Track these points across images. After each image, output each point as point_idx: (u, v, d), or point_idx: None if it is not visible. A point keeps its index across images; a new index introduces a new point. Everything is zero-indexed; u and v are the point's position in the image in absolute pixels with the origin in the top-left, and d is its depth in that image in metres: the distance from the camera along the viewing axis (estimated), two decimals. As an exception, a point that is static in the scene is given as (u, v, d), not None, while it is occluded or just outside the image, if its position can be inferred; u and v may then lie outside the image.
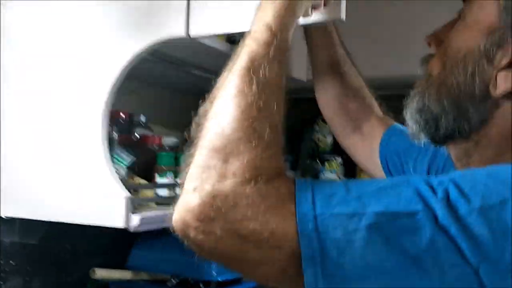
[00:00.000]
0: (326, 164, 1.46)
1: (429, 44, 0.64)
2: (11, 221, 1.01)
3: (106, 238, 1.24)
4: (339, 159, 1.47)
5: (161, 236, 1.27)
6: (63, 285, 1.13)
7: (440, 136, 0.60)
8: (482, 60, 0.56)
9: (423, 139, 0.62)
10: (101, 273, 1.13)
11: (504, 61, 0.55)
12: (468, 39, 0.58)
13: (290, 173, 1.54)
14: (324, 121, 1.54)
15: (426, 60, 0.64)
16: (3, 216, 0.99)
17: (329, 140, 1.53)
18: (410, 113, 0.62)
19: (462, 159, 0.60)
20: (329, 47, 0.86)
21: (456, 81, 0.57)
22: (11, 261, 1.01)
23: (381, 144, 0.86)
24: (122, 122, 1.18)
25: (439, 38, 0.63)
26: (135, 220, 0.88)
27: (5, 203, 0.98)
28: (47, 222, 1.04)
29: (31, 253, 1.06)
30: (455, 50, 0.59)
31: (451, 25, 0.62)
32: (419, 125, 0.61)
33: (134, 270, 1.21)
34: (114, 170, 0.90)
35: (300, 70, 1.36)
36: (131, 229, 0.88)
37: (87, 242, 1.20)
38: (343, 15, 0.71)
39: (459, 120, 0.58)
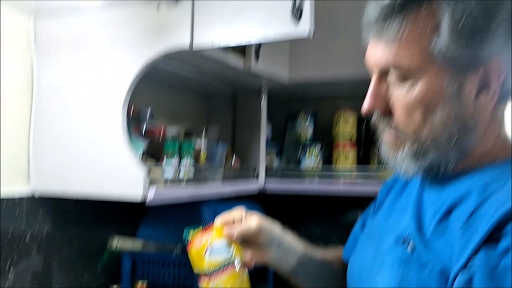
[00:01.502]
0: (307, 151, 1.68)
1: (370, 113, 0.73)
2: (42, 196, 1.21)
3: (120, 212, 1.44)
4: (319, 146, 1.68)
5: (166, 211, 1.48)
6: (84, 250, 1.33)
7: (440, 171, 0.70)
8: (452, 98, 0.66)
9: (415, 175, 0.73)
10: (116, 243, 1.34)
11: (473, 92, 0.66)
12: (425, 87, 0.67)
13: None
14: (306, 114, 1.76)
15: (381, 121, 0.72)
16: (36, 193, 1.19)
17: (309, 131, 1.74)
18: (401, 160, 0.71)
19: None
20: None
21: (436, 124, 0.67)
22: (42, 231, 1.21)
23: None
24: (132, 115, 1.38)
25: (381, 106, 0.71)
26: (150, 195, 1.09)
27: (37, 181, 1.19)
28: (71, 199, 1.25)
29: (59, 223, 1.26)
30: (418, 100, 0.67)
31: (377, 88, 0.71)
32: (418, 168, 0.71)
33: (144, 240, 1.42)
34: (133, 153, 1.11)
35: (282, 70, 1.55)
36: (147, 203, 1.09)
37: (103, 216, 1.40)
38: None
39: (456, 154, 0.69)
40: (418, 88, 0.67)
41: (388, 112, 0.71)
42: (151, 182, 1.12)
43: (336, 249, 0.99)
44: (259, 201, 1.74)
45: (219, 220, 0.85)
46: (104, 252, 1.35)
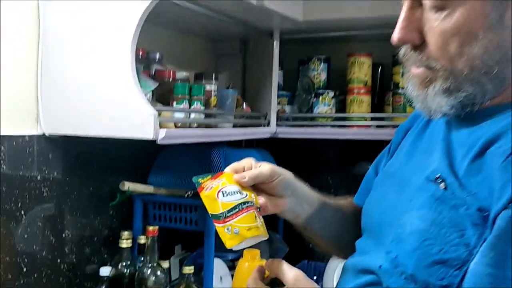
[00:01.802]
0: (320, 98, 1.63)
1: (400, 43, 0.67)
2: (52, 138, 1.19)
3: (131, 158, 1.43)
4: (332, 94, 1.64)
5: (177, 156, 1.46)
6: (96, 194, 1.32)
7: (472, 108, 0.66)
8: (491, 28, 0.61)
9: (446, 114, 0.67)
10: (128, 186, 1.33)
11: None
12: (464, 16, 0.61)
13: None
14: (319, 59, 1.71)
15: (410, 54, 0.67)
16: (46, 134, 1.17)
17: (323, 76, 1.70)
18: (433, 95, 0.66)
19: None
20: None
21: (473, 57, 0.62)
22: (52, 174, 1.20)
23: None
24: (141, 59, 1.34)
25: (413, 35, 0.66)
26: (161, 134, 1.07)
27: (46, 121, 1.16)
28: (83, 140, 1.23)
29: (69, 166, 1.25)
30: (454, 29, 0.62)
31: (410, 16, 0.66)
32: (450, 106, 0.65)
33: (154, 185, 1.41)
34: (143, 93, 1.08)
35: (296, 9, 1.50)
36: (158, 141, 1.07)
37: (115, 162, 1.38)
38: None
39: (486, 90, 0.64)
40: (456, 15, 0.62)
41: (419, 43, 0.66)
42: (162, 123, 1.10)
43: (347, 198, 0.96)
44: (270, 148, 1.72)
45: (228, 168, 0.79)
46: (115, 196, 1.34)
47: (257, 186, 0.78)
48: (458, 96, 0.65)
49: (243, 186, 0.75)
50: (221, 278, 1.45)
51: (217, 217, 0.71)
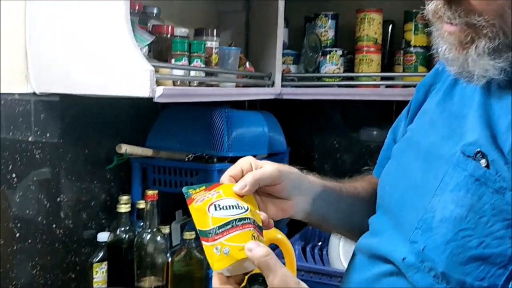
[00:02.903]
0: (328, 56, 1.55)
1: None
2: (43, 97, 1.12)
3: (129, 118, 1.36)
4: (340, 52, 1.56)
5: (176, 118, 1.39)
6: (92, 158, 1.26)
7: None
8: None
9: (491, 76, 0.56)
10: (125, 148, 1.26)
11: None
12: None
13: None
14: (326, 16, 1.62)
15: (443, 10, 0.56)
16: (37, 92, 1.10)
17: (330, 34, 1.61)
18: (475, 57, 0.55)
19: None
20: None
21: None
22: (45, 135, 1.14)
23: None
24: (137, 13, 1.26)
25: None
26: (158, 91, 0.99)
27: (37, 79, 1.09)
28: (78, 100, 1.16)
29: (64, 128, 1.18)
30: None
31: None
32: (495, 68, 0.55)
33: (154, 148, 1.35)
34: (138, 47, 1.00)
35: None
36: (155, 99, 0.99)
37: (113, 119, 1.32)
38: None
39: None
40: None
41: None
42: (159, 81, 1.02)
43: (365, 176, 0.84)
44: (274, 110, 1.64)
45: (226, 175, 0.67)
46: (112, 160, 1.28)
47: (259, 189, 0.67)
48: (509, 57, 0.54)
49: (244, 197, 0.64)
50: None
51: (205, 234, 0.59)
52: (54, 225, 1.16)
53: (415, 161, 0.64)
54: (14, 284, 1.06)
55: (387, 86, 1.54)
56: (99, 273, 1.19)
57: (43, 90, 1.10)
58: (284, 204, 0.69)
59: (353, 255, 0.72)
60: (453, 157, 0.57)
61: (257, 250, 0.57)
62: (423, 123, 0.68)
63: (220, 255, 0.58)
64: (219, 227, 0.59)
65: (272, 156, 1.55)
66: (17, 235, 1.07)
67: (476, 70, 0.55)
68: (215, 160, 1.31)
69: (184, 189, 0.65)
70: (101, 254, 1.20)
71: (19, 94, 1.08)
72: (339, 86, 1.55)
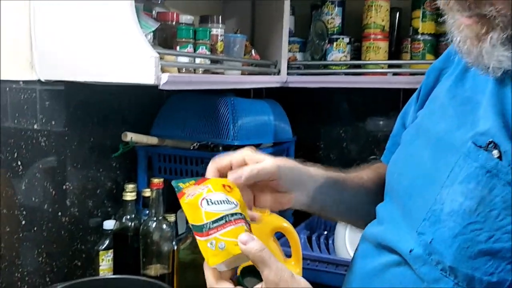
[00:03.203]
0: (334, 44, 1.53)
1: None
2: (48, 84, 1.12)
3: (135, 106, 1.36)
4: (347, 39, 1.54)
5: (181, 106, 1.39)
6: (97, 146, 1.25)
7: None
8: None
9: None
10: (131, 136, 1.26)
11: None
12: None
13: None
14: (333, 3, 1.60)
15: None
16: (42, 80, 1.10)
17: (337, 21, 1.59)
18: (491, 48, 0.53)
19: None
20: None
21: None
22: (50, 123, 1.13)
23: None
24: (142, 0, 1.25)
25: None
26: (163, 78, 0.98)
27: (42, 67, 1.09)
28: (83, 87, 1.16)
29: (69, 116, 1.17)
30: None
31: None
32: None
33: (159, 137, 1.34)
34: (143, 33, 0.99)
35: None
36: (160, 86, 0.98)
37: (118, 108, 1.31)
38: None
39: None
40: None
41: None
42: (164, 68, 1.01)
43: (371, 165, 0.82)
44: (280, 98, 1.63)
45: (212, 167, 0.66)
46: (118, 148, 1.28)
47: (256, 181, 0.65)
48: None
49: (232, 191, 0.63)
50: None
51: (199, 228, 0.59)
52: (60, 213, 1.16)
53: (425, 149, 0.62)
54: (20, 271, 1.07)
55: (394, 74, 1.52)
56: (105, 261, 1.20)
57: (48, 77, 1.10)
58: (282, 198, 0.69)
59: (360, 243, 0.71)
60: (464, 147, 0.55)
61: (251, 244, 0.57)
62: (433, 109, 0.66)
63: (215, 250, 0.58)
64: (213, 222, 0.59)
65: (277, 145, 1.54)
66: (23, 222, 1.07)
67: (491, 63, 0.53)
68: (220, 148, 1.30)
69: (173, 183, 0.65)
70: (107, 242, 1.20)
71: (24, 82, 1.07)
72: (346, 74, 1.54)
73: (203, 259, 0.60)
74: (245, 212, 0.62)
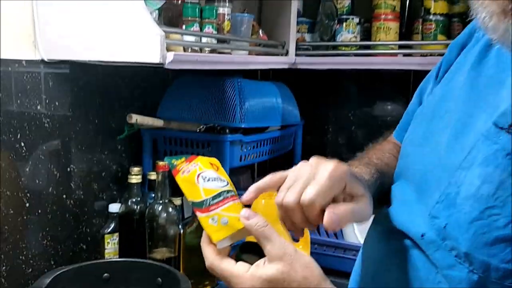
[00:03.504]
0: (344, 24, 1.49)
1: None
2: (52, 65, 1.09)
3: (140, 88, 1.33)
4: (357, 20, 1.50)
5: (187, 88, 1.36)
6: (102, 128, 1.23)
7: None
8: None
9: None
10: (136, 118, 1.23)
11: None
12: None
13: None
14: (342, -17, 1.55)
15: None
16: (45, 59, 1.07)
17: (347, 1, 1.55)
18: None
19: None
20: None
21: None
22: (54, 104, 1.11)
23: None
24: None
25: None
26: (169, 57, 0.95)
27: (45, 46, 1.06)
28: (87, 67, 1.13)
29: (73, 97, 1.15)
30: None
31: None
32: None
33: (165, 119, 1.31)
34: (148, 11, 0.96)
35: None
36: (166, 65, 0.96)
37: (123, 89, 1.28)
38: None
39: None
40: None
41: None
42: (169, 46, 0.98)
43: (385, 148, 0.78)
44: (288, 81, 1.60)
45: (253, 189, 0.60)
46: (123, 130, 1.25)
47: None
48: None
49: (219, 170, 0.63)
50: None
51: (198, 204, 0.59)
52: (64, 196, 1.14)
53: (443, 129, 0.58)
54: (25, 254, 1.05)
55: (405, 56, 1.48)
56: (111, 244, 1.18)
57: (51, 57, 1.07)
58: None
59: (371, 226, 0.68)
60: (484, 128, 0.52)
61: (254, 219, 0.56)
62: (454, 88, 0.62)
63: (218, 225, 0.58)
64: (213, 198, 0.59)
65: (285, 128, 1.51)
66: (27, 205, 1.05)
67: None
68: (227, 131, 1.28)
69: (167, 159, 0.65)
70: (112, 225, 1.19)
71: (27, 61, 1.05)
72: (356, 55, 1.50)
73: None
74: (235, 191, 0.62)
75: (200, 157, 0.64)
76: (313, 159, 0.56)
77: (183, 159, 0.64)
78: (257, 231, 0.55)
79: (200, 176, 0.61)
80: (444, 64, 0.70)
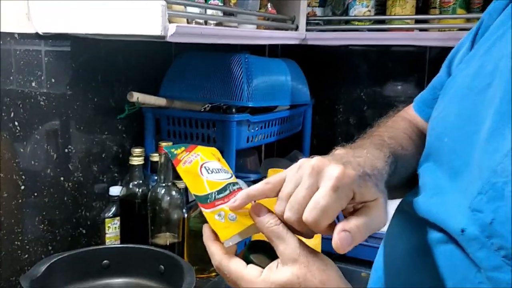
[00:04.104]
0: (357, -2, 1.41)
1: None
2: (47, 39, 1.02)
3: (142, 64, 1.26)
4: (371, -7, 1.42)
5: (191, 65, 1.29)
6: (102, 106, 1.17)
7: None
8: None
9: None
10: (137, 97, 1.17)
11: None
12: None
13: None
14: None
15: None
16: (39, 32, 1.00)
17: (360, -27, 1.46)
18: None
19: None
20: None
21: None
22: (50, 81, 1.04)
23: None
24: None
25: None
26: (171, 29, 0.88)
27: (39, 18, 0.99)
28: (86, 42, 1.06)
29: (71, 74, 1.09)
30: None
31: None
32: None
33: (167, 98, 1.25)
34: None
35: None
36: (167, 38, 0.89)
37: (124, 66, 1.22)
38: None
39: None
40: None
41: None
42: (172, 18, 0.91)
43: (401, 125, 0.69)
44: (298, 58, 1.52)
45: (243, 196, 0.52)
46: (124, 109, 1.19)
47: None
48: None
49: (220, 161, 0.58)
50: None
51: (203, 199, 0.53)
52: (62, 178, 1.08)
53: (485, 106, 0.49)
54: (21, 239, 1.00)
55: (422, 30, 1.40)
56: (112, 229, 1.13)
57: (46, 30, 1.00)
58: None
59: (396, 214, 0.61)
60: None
61: (266, 216, 0.50)
62: (495, 57, 0.52)
63: (225, 222, 0.52)
64: (218, 192, 0.54)
65: (294, 108, 1.44)
66: (22, 187, 1.00)
67: None
68: (233, 110, 1.21)
69: (166, 148, 0.60)
70: (113, 209, 1.13)
71: (20, 34, 0.98)
72: (369, 30, 1.42)
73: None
74: (238, 183, 0.57)
75: (200, 147, 0.59)
76: (316, 161, 0.48)
77: (182, 148, 0.58)
78: (268, 230, 0.49)
79: (203, 167, 0.56)
80: (482, 29, 0.61)
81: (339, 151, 0.54)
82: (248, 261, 0.50)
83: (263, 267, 0.49)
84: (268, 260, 0.49)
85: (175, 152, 0.58)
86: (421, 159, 0.60)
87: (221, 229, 0.51)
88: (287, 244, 0.48)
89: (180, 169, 0.56)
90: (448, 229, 0.48)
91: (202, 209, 0.53)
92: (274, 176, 0.52)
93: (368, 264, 1.18)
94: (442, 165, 0.55)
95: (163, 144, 1.16)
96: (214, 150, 0.60)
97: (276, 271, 0.47)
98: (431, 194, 0.54)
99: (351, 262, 1.20)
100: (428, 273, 0.50)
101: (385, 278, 0.58)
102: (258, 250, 0.52)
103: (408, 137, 0.66)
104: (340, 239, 0.45)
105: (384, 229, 0.58)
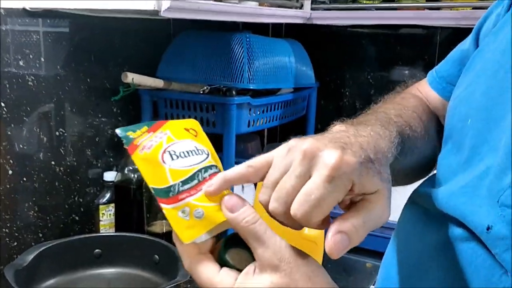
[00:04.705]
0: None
1: None
2: (36, 15, 0.97)
3: (138, 44, 1.20)
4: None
5: (192, 45, 1.23)
6: (95, 88, 1.11)
7: None
8: None
9: None
10: (132, 77, 1.11)
11: None
12: None
13: None
14: None
15: None
16: (27, 8, 0.95)
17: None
18: None
19: None
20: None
21: None
22: (39, 60, 0.99)
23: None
24: None
25: None
26: (165, 3, 0.83)
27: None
28: (78, 20, 1.01)
29: (62, 53, 1.03)
30: None
31: None
32: None
33: (165, 79, 1.19)
34: None
35: None
36: (161, 12, 0.83)
37: (119, 46, 1.16)
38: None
39: None
40: None
41: None
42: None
43: (411, 102, 0.61)
44: (302, 38, 1.46)
45: (219, 181, 0.44)
46: (119, 91, 1.13)
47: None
48: None
49: (198, 135, 0.47)
50: (242, 187, 1.27)
51: (163, 192, 0.42)
52: (53, 163, 1.03)
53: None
54: (9, 226, 0.96)
55: (433, 8, 1.33)
56: (106, 216, 1.08)
57: (33, 5, 0.95)
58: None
59: (409, 204, 0.55)
60: None
61: (241, 212, 0.42)
62: None
63: (190, 220, 0.42)
64: (183, 183, 0.43)
65: (298, 91, 1.38)
66: (10, 172, 0.95)
67: None
68: (234, 92, 1.15)
69: (119, 132, 0.46)
70: (108, 195, 1.09)
71: (6, 10, 0.92)
72: (378, 9, 1.35)
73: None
74: (218, 163, 0.46)
75: (171, 122, 0.48)
76: (309, 144, 0.40)
77: (144, 128, 0.46)
78: (243, 228, 0.41)
79: (167, 151, 0.44)
80: None
81: (338, 127, 0.46)
82: (223, 262, 0.43)
83: (242, 269, 0.42)
84: (250, 257, 0.42)
85: (131, 135, 0.45)
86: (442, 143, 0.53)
87: (185, 229, 0.42)
88: (266, 247, 0.40)
89: (136, 157, 0.44)
90: (470, 225, 0.42)
91: (162, 205, 0.43)
92: (259, 157, 0.43)
93: (372, 254, 1.13)
94: (464, 151, 0.48)
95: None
96: (190, 122, 0.49)
97: (253, 279, 0.40)
98: (449, 185, 0.48)
99: (355, 251, 1.15)
100: (446, 273, 0.44)
101: (398, 277, 0.51)
102: (238, 244, 0.43)
103: (417, 116, 0.59)
104: (335, 243, 0.38)
105: (391, 218, 0.51)
